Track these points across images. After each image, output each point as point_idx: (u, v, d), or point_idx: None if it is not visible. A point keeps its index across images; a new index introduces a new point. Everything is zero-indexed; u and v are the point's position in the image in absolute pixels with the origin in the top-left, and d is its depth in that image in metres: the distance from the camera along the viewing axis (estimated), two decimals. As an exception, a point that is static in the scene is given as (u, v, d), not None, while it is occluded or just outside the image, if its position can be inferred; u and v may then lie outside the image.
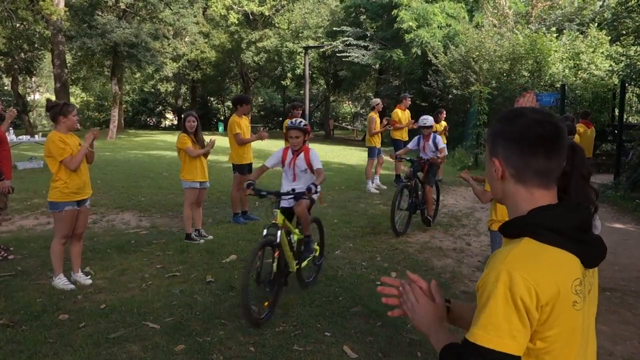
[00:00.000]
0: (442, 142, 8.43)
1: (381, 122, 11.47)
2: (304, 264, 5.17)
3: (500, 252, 1.33)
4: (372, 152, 11.29)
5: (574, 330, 1.30)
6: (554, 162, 1.35)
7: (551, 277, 1.25)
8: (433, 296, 1.54)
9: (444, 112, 13.25)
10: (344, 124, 52.17)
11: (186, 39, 33.56)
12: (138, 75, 39.12)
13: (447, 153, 8.48)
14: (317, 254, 5.57)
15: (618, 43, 17.82)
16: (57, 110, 5.04)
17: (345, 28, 26.46)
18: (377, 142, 11.29)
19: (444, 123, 12.95)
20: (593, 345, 1.44)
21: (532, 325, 1.24)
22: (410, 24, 22.36)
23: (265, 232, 4.61)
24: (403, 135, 11.87)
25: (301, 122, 5.24)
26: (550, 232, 1.29)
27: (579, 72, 17.71)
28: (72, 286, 5.16)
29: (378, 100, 12.05)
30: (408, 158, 8.15)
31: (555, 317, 1.25)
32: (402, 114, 11.89)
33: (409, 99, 12.27)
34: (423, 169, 8.00)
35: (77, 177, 5.07)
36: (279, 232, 4.61)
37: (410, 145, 8.58)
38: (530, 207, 1.35)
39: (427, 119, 8.44)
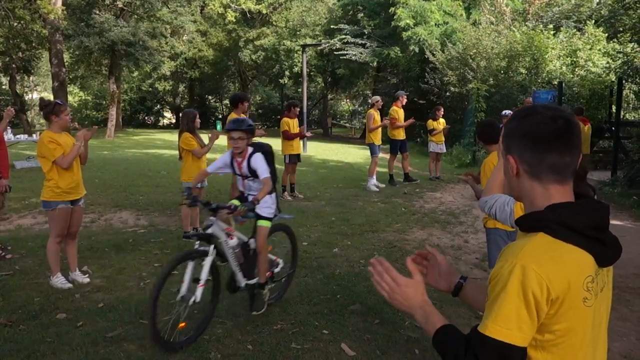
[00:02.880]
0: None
1: (381, 120, 11.44)
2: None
3: (515, 245, 1.36)
4: (373, 149, 11.25)
5: (583, 326, 1.32)
6: (567, 157, 1.37)
7: (563, 273, 1.27)
8: (412, 272, 1.53)
9: (442, 110, 13.23)
10: (342, 122, 52.13)
11: (184, 38, 33.52)
12: (136, 73, 39.08)
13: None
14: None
15: (615, 40, 17.82)
16: (49, 109, 5.05)
17: (342, 26, 26.41)
18: (377, 139, 11.25)
19: (442, 121, 12.95)
20: (604, 344, 1.45)
21: (540, 318, 1.27)
22: (408, 21, 22.33)
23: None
24: (402, 134, 11.84)
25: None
26: (565, 229, 1.30)
27: (576, 69, 17.72)
28: (70, 285, 5.16)
29: (378, 97, 12.02)
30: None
31: (564, 311, 1.27)
32: (400, 112, 11.85)
33: (405, 97, 12.22)
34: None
35: (69, 176, 5.07)
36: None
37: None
38: (546, 203, 1.36)
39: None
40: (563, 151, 1.36)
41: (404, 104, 11.95)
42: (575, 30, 19.52)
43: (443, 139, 12.89)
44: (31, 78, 45.21)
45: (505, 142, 1.46)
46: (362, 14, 26.85)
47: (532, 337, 1.29)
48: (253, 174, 4.50)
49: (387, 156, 12.28)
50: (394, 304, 1.51)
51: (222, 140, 8.36)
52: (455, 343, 1.34)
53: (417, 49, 22.22)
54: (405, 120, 11.86)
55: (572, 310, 1.28)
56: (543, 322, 1.28)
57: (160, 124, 49.20)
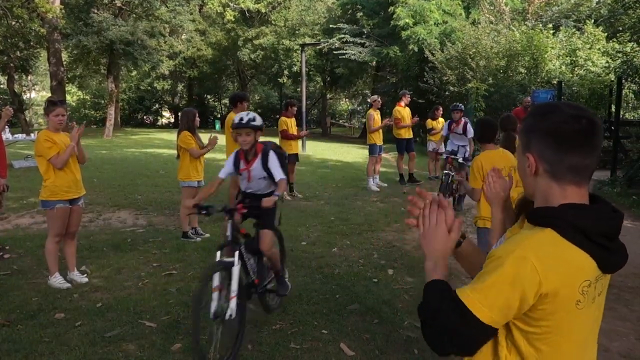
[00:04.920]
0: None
1: (382, 119, 11.41)
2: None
3: (522, 234, 1.36)
4: (372, 150, 11.21)
5: (571, 327, 1.31)
6: (589, 158, 1.34)
7: (560, 272, 1.26)
8: (452, 230, 1.53)
9: (441, 109, 13.20)
10: (340, 121, 52.13)
11: (182, 37, 33.46)
12: (134, 73, 39.01)
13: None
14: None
15: (614, 39, 17.82)
16: (44, 108, 5.07)
17: (341, 25, 26.39)
18: (377, 139, 11.20)
19: (441, 120, 12.92)
20: (593, 347, 1.44)
21: (521, 308, 1.27)
22: (407, 20, 22.32)
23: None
24: (406, 133, 11.81)
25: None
26: (574, 230, 1.29)
27: (576, 69, 17.70)
28: (68, 285, 5.15)
29: (376, 97, 12.00)
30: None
31: (553, 309, 1.27)
32: (403, 111, 11.82)
33: (409, 96, 12.21)
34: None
35: (65, 175, 5.05)
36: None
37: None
38: (560, 202, 1.35)
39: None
40: (585, 152, 1.34)
41: (407, 103, 11.93)
42: (574, 29, 19.50)
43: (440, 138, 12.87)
44: (29, 77, 45.17)
45: (525, 139, 1.42)
46: (361, 13, 26.83)
47: (503, 322, 1.29)
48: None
49: (388, 156, 12.26)
50: (421, 242, 1.51)
51: (221, 139, 8.36)
52: (436, 293, 1.36)
53: (416, 48, 22.21)
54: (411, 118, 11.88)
55: (562, 311, 1.28)
56: (531, 315, 1.28)
57: (159, 123, 49.18)
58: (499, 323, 1.28)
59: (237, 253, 3.85)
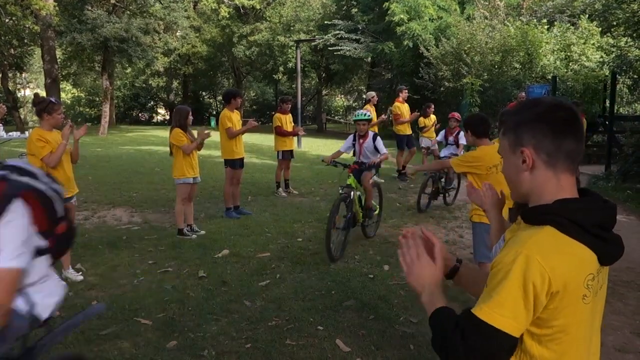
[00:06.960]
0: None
1: (378, 116, 11.39)
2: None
3: (521, 235, 1.34)
4: None
5: (579, 323, 1.32)
6: (580, 144, 1.38)
7: (566, 268, 1.26)
8: (435, 257, 1.52)
9: (432, 107, 13.19)
10: (336, 117, 52.10)
11: (177, 34, 33.36)
12: (129, 70, 38.95)
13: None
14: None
15: (609, 34, 17.86)
16: (42, 107, 4.99)
17: (336, 21, 26.35)
18: None
19: (433, 117, 12.92)
20: (597, 339, 1.45)
21: (536, 310, 1.26)
22: (402, 16, 22.31)
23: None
24: (406, 129, 11.79)
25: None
26: (573, 225, 1.29)
27: (570, 64, 17.75)
28: (63, 283, 5.12)
29: (373, 93, 11.97)
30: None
31: (563, 307, 1.27)
32: (402, 107, 11.79)
33: (406, 91, 12.20)
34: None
35: (58, 175, 4.99)
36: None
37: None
38: (555, 196, 1.35)
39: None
40: (576, 138, 1.36)
41: (405, 98, 11.91)
42: (569, 24, 19.54)
43: (434, 135, 12.88)
44: (23, 75, 44.96)
45: (513, 135, 1.41)
46: (356, 9, 26.80)
47: (525, 328, 1.28)
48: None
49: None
50: (408, 280, 1.50)
51: (215, 136, 8.35)
52: (447, 320, 1.34)
53: (411, 44, 22.22)
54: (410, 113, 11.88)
55: (570, 307, 1.28)
56: (542, 317, 1.27)
57: (154, 120, 49.09)
58: (522, 330, 1.28)
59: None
